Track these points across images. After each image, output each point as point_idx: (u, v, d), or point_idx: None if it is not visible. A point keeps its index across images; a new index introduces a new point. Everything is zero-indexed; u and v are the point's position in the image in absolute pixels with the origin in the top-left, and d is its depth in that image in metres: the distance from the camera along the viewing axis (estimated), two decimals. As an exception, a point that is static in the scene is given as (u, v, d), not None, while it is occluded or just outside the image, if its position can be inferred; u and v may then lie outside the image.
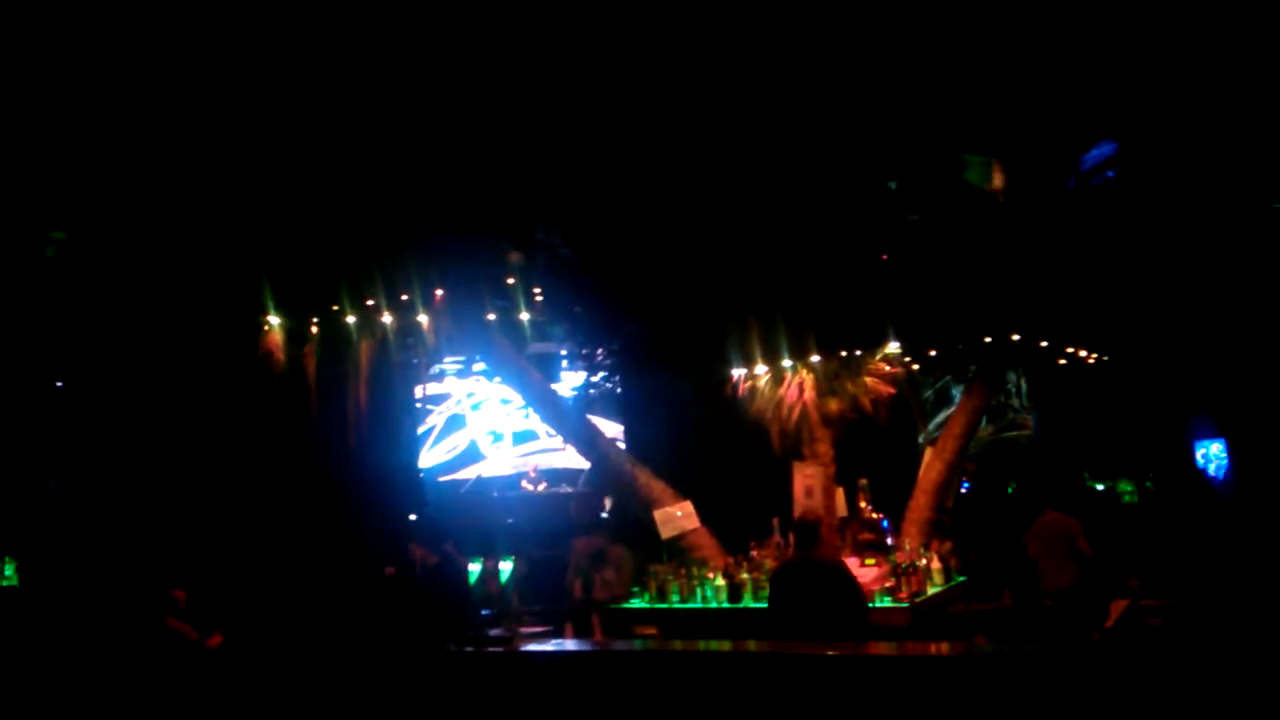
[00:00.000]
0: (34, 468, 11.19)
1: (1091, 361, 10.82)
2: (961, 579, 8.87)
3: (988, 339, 9.87)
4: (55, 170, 10.27)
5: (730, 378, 10.58)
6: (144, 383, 10.92)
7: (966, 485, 11.10)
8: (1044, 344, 10.28)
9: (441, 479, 14.62)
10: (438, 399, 15.15)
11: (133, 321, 10.58)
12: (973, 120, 10.20)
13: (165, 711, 7.40)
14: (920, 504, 10.15)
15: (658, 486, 10.57)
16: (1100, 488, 12.63)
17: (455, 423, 15.20)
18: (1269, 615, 6.74)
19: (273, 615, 8.96)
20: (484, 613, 8.78)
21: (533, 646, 7.41)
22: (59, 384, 11.36)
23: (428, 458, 14.81)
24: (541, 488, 13.30)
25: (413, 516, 11.89)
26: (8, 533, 11.74)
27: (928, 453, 10.54)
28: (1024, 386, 13.16)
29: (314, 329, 10.51)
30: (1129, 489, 13.18)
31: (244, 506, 10.92)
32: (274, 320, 10.41)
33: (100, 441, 10.96)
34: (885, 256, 10.06)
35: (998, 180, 10.72)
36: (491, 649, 7.52)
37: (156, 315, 10.53)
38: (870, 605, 7.82)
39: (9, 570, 11.70)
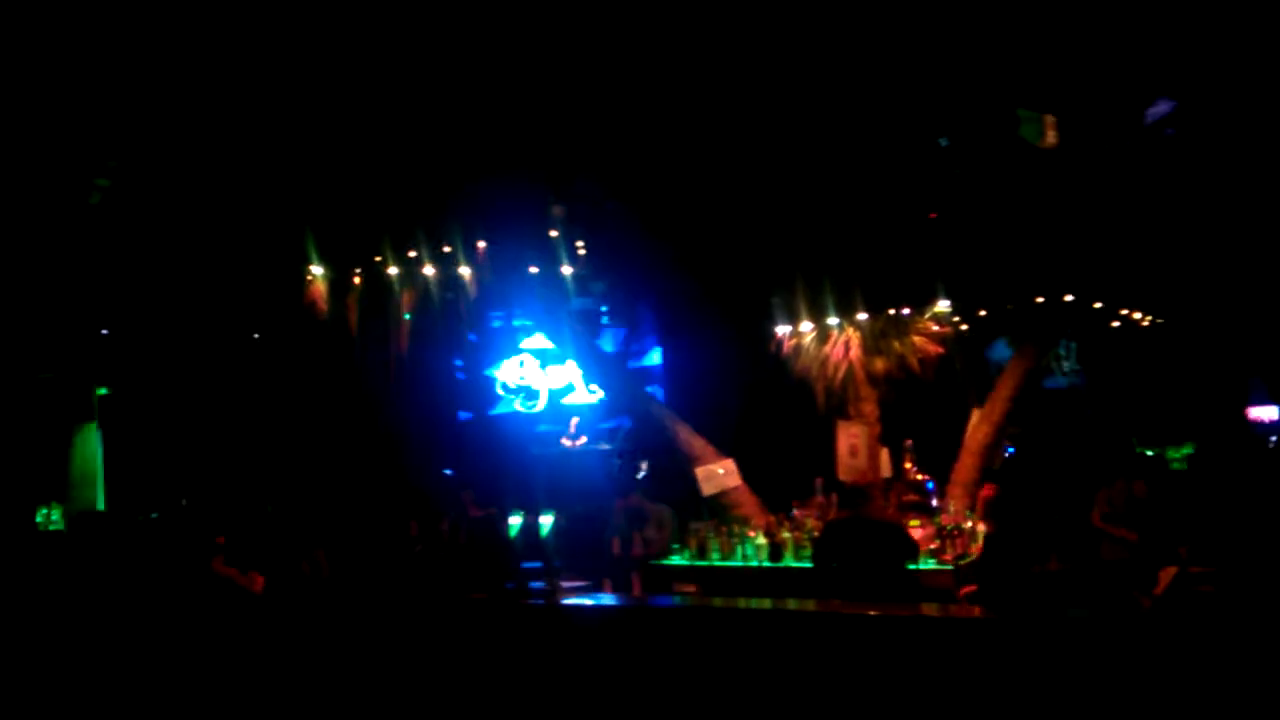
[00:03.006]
0: (80, 413, 11.31)
1: (1145, 324, 10.60)
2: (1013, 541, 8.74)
3: (1039, 299, 9.69)
4: (101, 118, 10.29)
5: (775, 334, 10.49)
6: (189, 332, 11.00)
7: (1011, 450, 10.96)
8: (1097, 305, 10.08)
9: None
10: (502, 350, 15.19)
11: (178, 270, 10.64)
12: (1029, 74, 9.94)
13: (217, 653, 7.49)
14: (966, 465, 10.02)
15: (699, 443, 10.51)
16: (1150, 454, 12.43)
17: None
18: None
19: (315, 561, 9.03)
20: (525, 565, 8.79)
21: (573, 600, 7.43)
22: (104, 331, 11.46)
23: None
24: (581, 442, 13.28)
25: (448, 471, 11.91)
26: (54, 478, 11.92)
27: (974, 414, 10.39)
28: (1074, 349, 12.93)
29: (357, 280, 10.54)
30: (1178, 455, 12.97)
31: (286, 453, 11.00)
32: (317, 271, 10.44)
33: (145, 389, 11.06)
34: (935, 215, 9.87)
35: (1052, 136, 10.48)
36: (532, 601, 7.55)
37: (202, 264, 10.58)
38: (915, 566, 7.76)
39: (56, 515, 11.88)
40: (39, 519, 11.76)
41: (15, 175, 10.27)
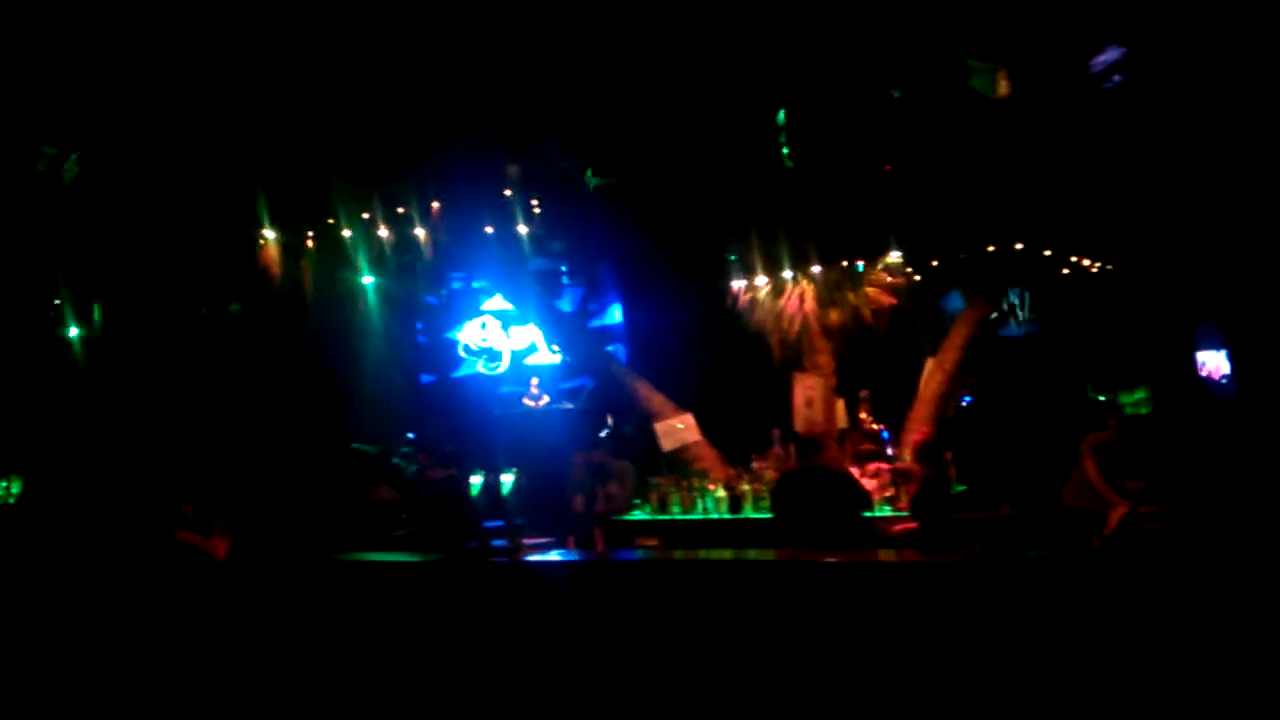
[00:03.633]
0: (38, 385, 11.19)
1: (1095, 271, 10.72)
2: (961, 489, 8.90)
3: (990, 248, 9.77)
4: (51, 85, 10.13)
5: (730, 289, 10.54)
6: (143, 298, 10.88)
7: (968, 399, 11.08)
8: (1047, 253, 10.18)
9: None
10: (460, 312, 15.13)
11: (131, 235, 10.51)
12: (978, 25, 9.98)
13: (185, 621, 7.50)
14: (920, 414, 10.14)
15: (658, 399, 10.59)
16: (1101, 399, 12.62)
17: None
18: (1266, 521, 6.79)
19: (277, 525, 9.04)
20: (488, 524, 8.84)
21: (536, 556, 7.49)
22: (56, 301, 11.33)
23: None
24: (543, 402, 13.31)
25: (411, 435, 11.92)
26: (13, 452, 11.79)
27: (928, 364, 10.50)
28: (1027, 298, 13.05)
29: (310, 243, 10.46)
30: (1130, 400, 13.17)
31: (245, 420, 10.95)
32: (270, 234, 10.35)
33: (102, 358, 10.95)
34: (887, 166, 9.92)
35: (1003, 87, 10.52)
36: (495, 559, 7.61)
37: (155, 228, 10.46)
38: (870, 514, 7.88)
39: (15, 488, 11.76)
40: (-1, 492, 11.68)
41: None
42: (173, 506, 8.26)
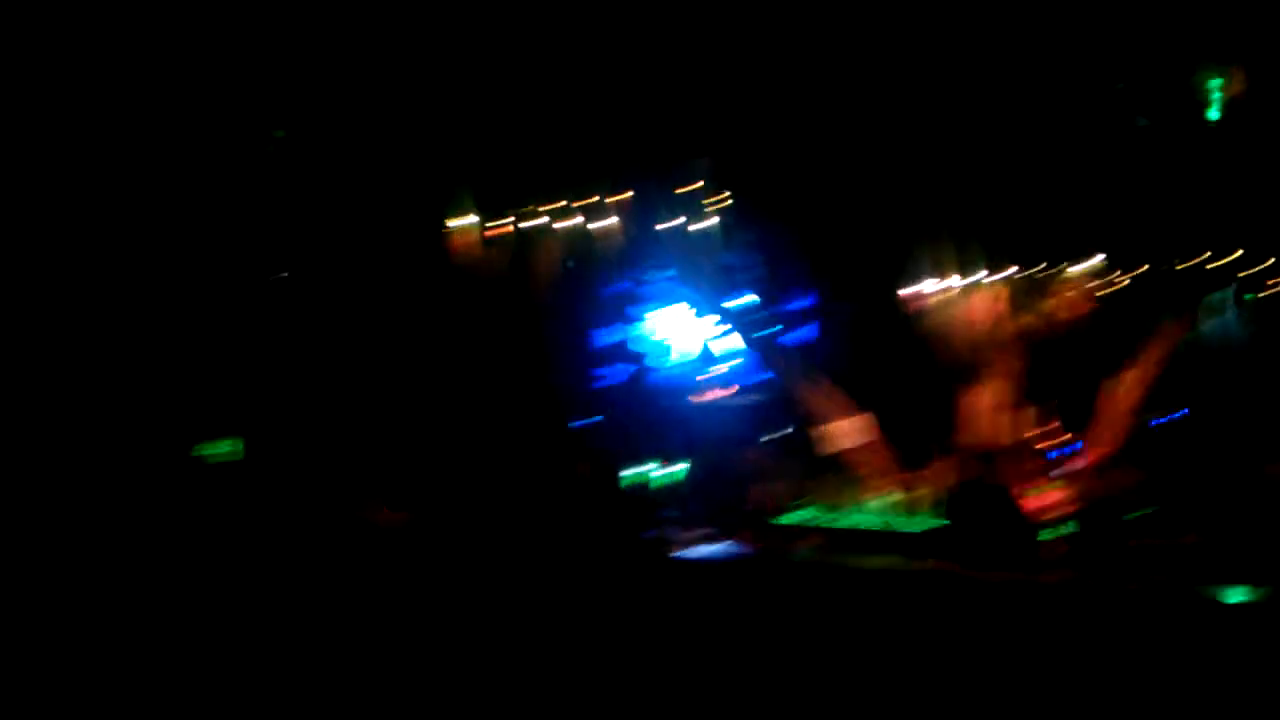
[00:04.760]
0: (249, 356, 11.97)
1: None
2: (1151, 510, 8.45)
3: (1206, 256, 9.25)
4: (274, 70, 10.84)
5: (918, 290, 10.30)
6: (346, 281, 11.52)
7: (1166, 417, 10.47)
8: (1268, 263, 9.54)
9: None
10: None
11: (338, 221, 11.17)
12: (1210, 27, 9.42)
13: (363, 588, 7.96)
14: (1111, 429, 9.64)
15: (837, 399, 10.46)
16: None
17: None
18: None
19: (459, 506, 9.44)
20: (663, 513, 9.00)
21: (703, 549, 7.61)
22: (283, 275, 12.08)
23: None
24: (727, 393, 13.33)
25: (575, 424, 12.17)
26: (237, 413, 12.67)
27: (1124, 377, 9.99)
28: (1235, 313, 12.21)
29: (500, 230, 10.86)
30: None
31: (432, 400, 11.43)
32: (466, 220, 10.81)
33: (309, 336, 11.64)
34: (1097, 164, 9.52)
35: (1238, 85, 9.90)
36: (667, 552, 7.77)
37: (360, 215, 11.09)
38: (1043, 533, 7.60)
39: (231, 447, 12.61)
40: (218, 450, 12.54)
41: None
42: (362, 480, 8.75)
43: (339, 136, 11.08)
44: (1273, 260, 9.55)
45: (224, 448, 11.96)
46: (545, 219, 11.00)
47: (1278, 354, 11.87)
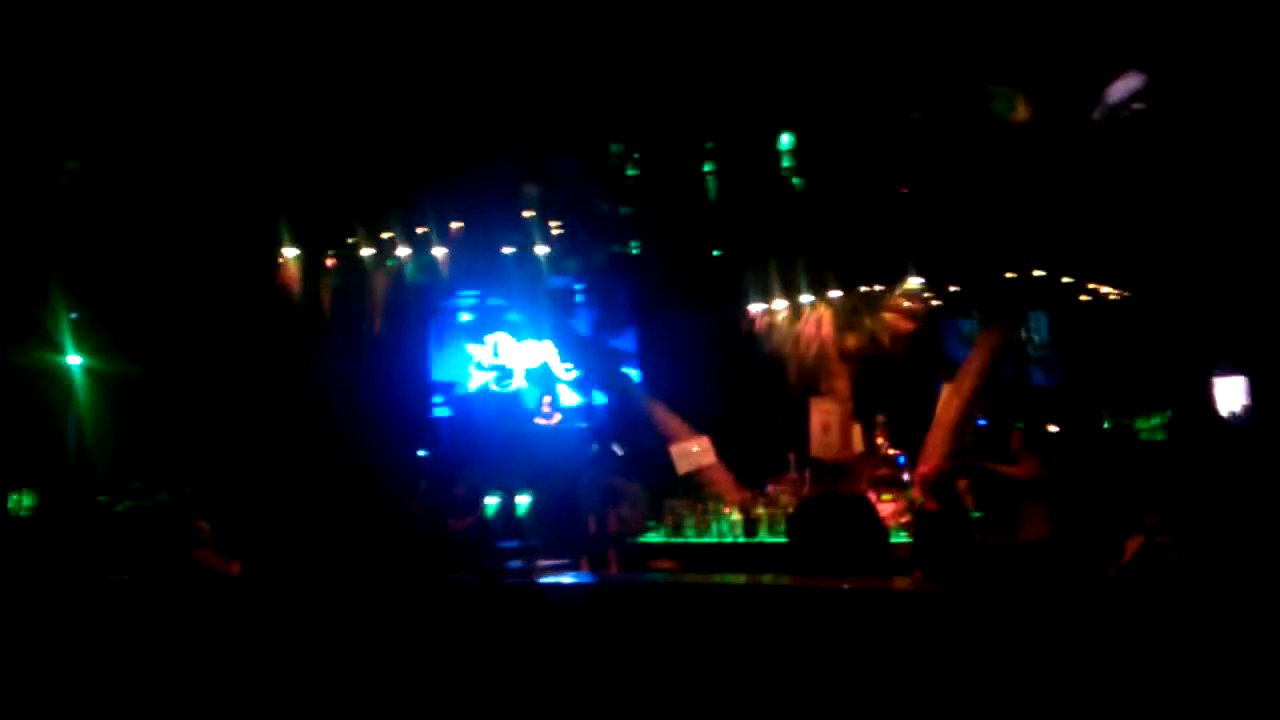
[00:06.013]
0: (54, 399, 11.25)
1: (1114, 298, 10.69)
2: (978, 515, 8.89)
3: (1009, 274, 9.77)
4: (72, 99, 10.22)
5: (748, 313, 10.55)
6: (161, 316, 10.95)
7: (983, 422, 11.04)
8: (1066, 280, 10.17)
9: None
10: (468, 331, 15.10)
11: (151, 254, 10.59)
12: (998, 50, 9.99)
13: (198, 638, 7.51)
14: (938, 440, 10.11)
15: (674, 422, 10.59)
16: (1106, 425, 12.63)
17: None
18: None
19: (291, 546, 9.06)
20: (503, 545, 8.85)
21: (551, 578, 7.49)
22: (74, 315, 11.40)
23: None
24: (555, 419, 13.31)
25: (422, 452, 11.95)
26: (29, 464, 11.83)
27: (945, 389, 10.48)
28: (1044, 324, 13.04)
29: (330, 262, 10.51)
30: (1147, 426, 13.12)
31: (260, 438, 11.00)
32: (290, 253, 10.41)
33: (118, 374, 11.02)
34: (905, 190, 9.93)
35: (1022, 112, 10.53)
36: (511, 580, 7.61)
37: (174, 248, 10.54)
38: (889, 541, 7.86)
39: (27, 501, 11.77)
40: (10, 504, 11.67)
41: None
42: (188, 524, 8.29)
43: (147, 168, 10.52)
44: (1069, 278, 10.21)
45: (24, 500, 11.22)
46: (372, 250, 10.72)
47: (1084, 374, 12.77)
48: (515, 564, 8.06)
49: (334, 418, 11.88)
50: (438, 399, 14.80)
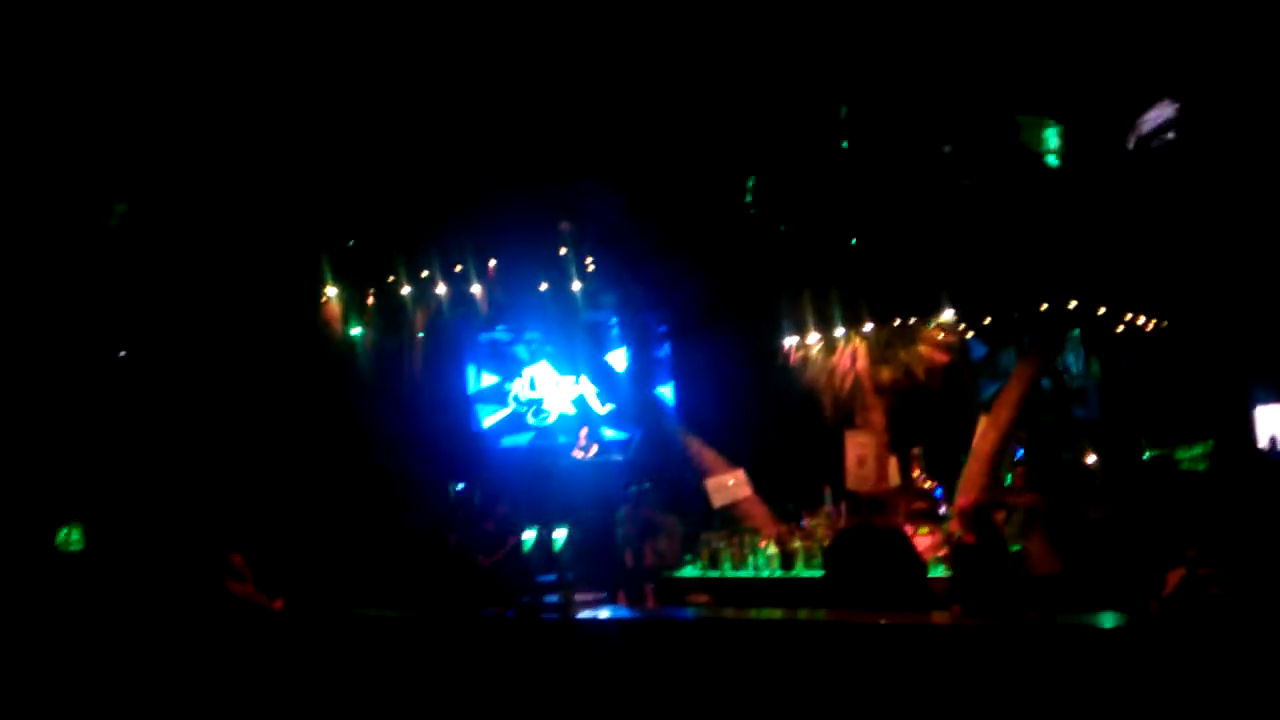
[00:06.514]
0: (101, 436, 11.43)
1: (1150, 328, 10.63)
2: (1016, 548, 8.83)
3: (1044, 306, 9.75)
4: (119, 142, 10.48)
5: (783, 346, 10.58)
6: (205, 354, 11.14)
7: (1021, 453, 10.98)
8: (1101, 310, 10.13)
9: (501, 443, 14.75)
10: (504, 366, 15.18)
11: (195, 294, 10.79)
12: (1030, 82, 10.03)
13: (233, 672, 7.58)
14: (974, 472, 10.07)
15: (709, 455, 10.62)
16: (1147, 456, 12.49)
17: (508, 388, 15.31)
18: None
19: (332, 581, 9.13)
20: (540, 579, 8.87)
21: (588, 613, 7.51)
22: (122, 354, 11.59)
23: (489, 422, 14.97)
24: (593, 452, 13.36)
25: (459, 485, 12.01)
26: (77, 499, 12.00)
27: (982, 421, 10.44)
28: (1081, 355, 12.97)
29: (370, 300, 10.69)
30: (1187, 456, 12.98)
31: (302, 474, 11.12)
32: (332, 292, 10.60)
33: (163, 411, 11.20)
34: (940, 223, 9.95)
35: (1055, 142, 10.54)
36: (547, 615, 7.63)
37: (218, 288, 10.74)
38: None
39: (76, 535, 11.93)
40: (59, 539, 11.84)
41: (32, 198, 10.45)
42: (222, 557, 8.37)
43: (192, 210, 10.76)
44: (1104, 309, 10.17)
45: (71, 535, 11.38)
46: (409, 288, 10.88)
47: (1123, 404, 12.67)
48: (552, 598, 8.08)
49: (373, 450, 12.00)
50: (473, 431, 14.92)
